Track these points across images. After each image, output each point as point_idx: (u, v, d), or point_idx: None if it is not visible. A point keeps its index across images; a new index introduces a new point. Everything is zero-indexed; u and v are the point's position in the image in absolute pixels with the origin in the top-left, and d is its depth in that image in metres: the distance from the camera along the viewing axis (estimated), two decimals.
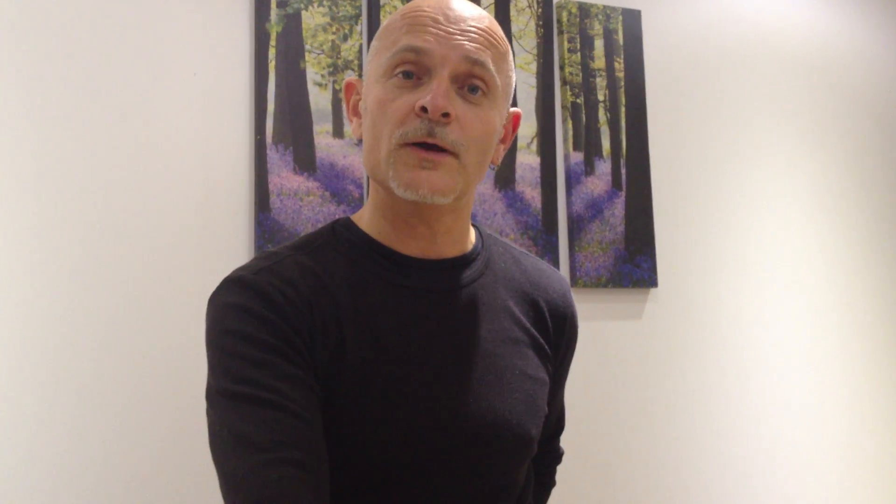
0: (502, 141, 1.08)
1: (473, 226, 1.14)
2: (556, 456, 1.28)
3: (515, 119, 1.11)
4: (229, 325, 0.95)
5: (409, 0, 1.06)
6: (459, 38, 0.97)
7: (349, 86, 1.09)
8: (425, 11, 0.99)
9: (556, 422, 1.25)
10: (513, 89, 1.08)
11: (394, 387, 0.97)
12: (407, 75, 0.98)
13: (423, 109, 0.95)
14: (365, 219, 1.07)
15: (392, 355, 0.98)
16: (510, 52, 1.05)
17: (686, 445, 2.47)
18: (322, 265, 1.02)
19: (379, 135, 0.99)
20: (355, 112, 1.08)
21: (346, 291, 1.00)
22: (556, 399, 1.20)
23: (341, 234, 1.06)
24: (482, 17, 1.01)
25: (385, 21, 1.05)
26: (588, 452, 2.33)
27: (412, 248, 1.04)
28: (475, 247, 1.11)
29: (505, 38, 1.04)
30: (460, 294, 1.05)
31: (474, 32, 0.99)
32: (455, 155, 0.97)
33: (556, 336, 1.14)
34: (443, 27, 0.98)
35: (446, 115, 0.95)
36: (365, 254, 1.04)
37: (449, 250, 1.07)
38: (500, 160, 1.09)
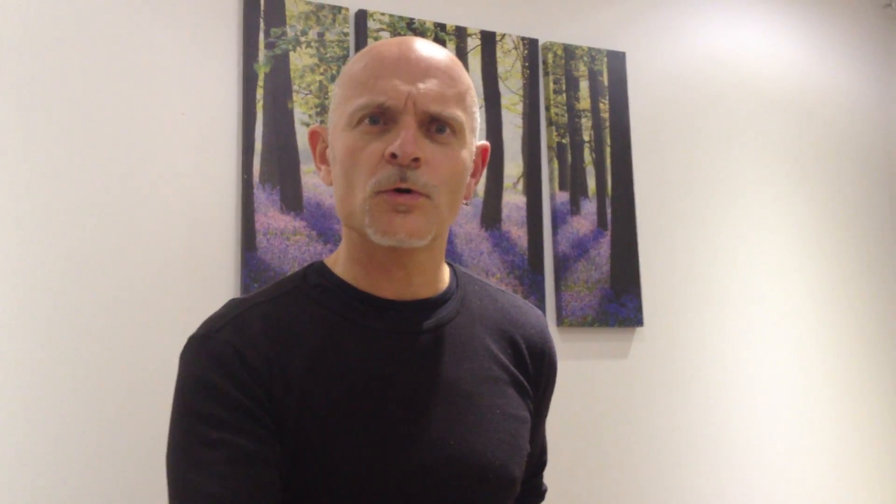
0: (472, 175, 1.08)
1: (448, 264, 1.13)
2: (539, 493, 1.27)
3: (484, 152, 1.11)
4: (188, 400, 0.95)
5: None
6: (422, 85, 0.98)
7: (314, 134, 1.10)
8: (385, 58, 1.00)
9: (538, 458, 1.24)
10: (478, 123, 1.08)
11: (371, 432, 0.96)
12: (373, 121, 0.98)
13: (393, 156, 0.96)
14: (339, 263, 1.07)
15: (367, 400, 0.97)
16: (472, 87, 1.06)
17: (672, 484, 2.46)
18: (290, 313, 1.01)
19: (351, 184, 0.99)
20: (323, 160, 1.09)
21: (316, 339, 0.99)
22: (537, 436, 1.20)
23: (312, 280, 1.06)
24: (441, 58, 1.02)
25: (346, 65, 1.06)
26: (574, 491, 2.31)
27: (387, 290, 1.04)
28: (450, 286, 1.10)
29: (466, 74, 1.05)
30: (437, 334, 1.04)
31: (435, 76, 1.00)
32: (428, 197, 0.98)
33: (535, 373, 1.14)
34: (405, 75, 0.98)
35: (416, 159, 0.96)
36: (338, 298, 1.03)
37: (424, 291, 1.06)
38: (471, 195, 1.10)
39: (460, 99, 1.02)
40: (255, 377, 0.94)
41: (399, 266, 1.03)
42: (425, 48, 1.02)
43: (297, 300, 1.03)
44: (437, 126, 0.99)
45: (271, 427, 0.94)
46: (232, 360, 0.95)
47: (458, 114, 1.00)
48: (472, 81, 1.07)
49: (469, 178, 1.06)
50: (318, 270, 1.07)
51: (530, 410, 1.12)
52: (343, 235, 1.07)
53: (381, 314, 1.03)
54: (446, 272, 1.12)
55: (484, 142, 1.12)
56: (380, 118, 0.98)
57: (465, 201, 1.08)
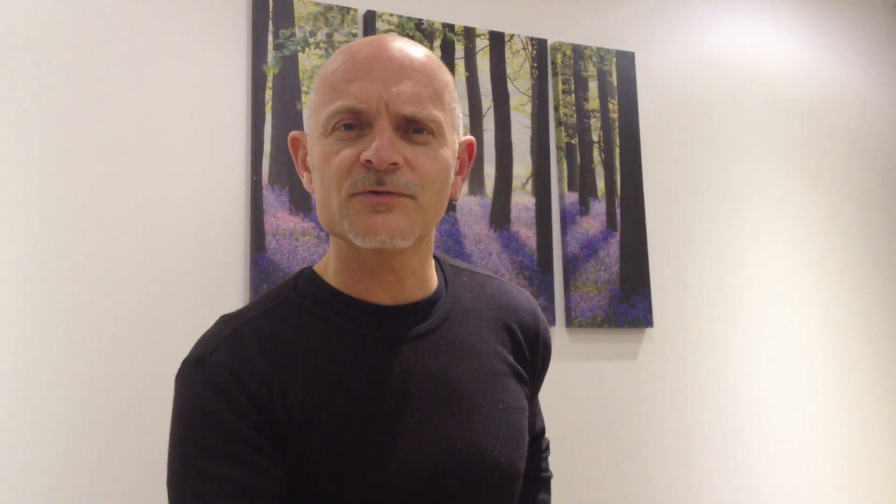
0: (458, 172, 1.06)
1: (434, 256, 1.11)
2: (542, 449, 1.25)
3: (470, 147, 1.08)
4: (186, 428, 0.93)
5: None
6: (395, 87, 0.95)
7: (294, 141, 1.07)
8: (357, 60, 0.97)
9: (533, 425, 1.22)
10: (460, 120, 1.05)
11: (377, 445, 0.95)
12: (348, 126, 0.95)
13: (369, 161, 0.93)
14: (330, 271, 1.04)
15: (371, 412, 0.96)
16: (450, 83, 1.02)
17: (682, 485, 2.45)
18: (284, 327, 0.99)
19: (328, 189, 0.96)
20: (304, 167, 1.06)
21: (313, 354, 0.97)
22: (533, 411, 1.19)
23: (304, 290, 1.04)
24: (416, 56, 0.99)
25: (321, 68, 1.02)
26: (584, 492, 2.31)
27: (381, 296, 1.02)
28: (439, 284, 1.08)
29: (444, 71, 1.02)
30: (434, 337, 1.03)
31: (409, 77, 0.96)
32: (411, 197, 0.95)
33: (531, 356, 1.13)
34: (376, 76, 0.95)
35: (394, 163, 0.93)
36: (332, 308, 1.01)
37: (417, 293, 1.04)
38: (458, 193, 1.07)
39: (437, 97, 0.98)
40: (253, 402, 0.92)
41: (389, 270, 1.01)
42: (398, 47, 0.99)
43: (290, 312, 1.01)
44: (414, 127, 0.96)
45: (272, 453, 0.92)
46: (229, 386, 0.93)
47: (436, 113, 0.97)
48: (451, 77, 1.04)
49: (454, 175, 1.04)
50: (308, 279, 1.05)
51: (527, 396, 1.12)
52: (331, 242, 1.05)
53: (376, 321, 1.01)
54: (434, 269, 1.10)
55: (468, 137, 1.09)
56: (354, 123, 0.95)
57: (451, 200, 1.06)
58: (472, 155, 1.10)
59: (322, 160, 0.97)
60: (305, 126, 1.05)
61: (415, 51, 1.00)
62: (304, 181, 1.06)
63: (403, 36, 2.27)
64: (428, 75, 0.98)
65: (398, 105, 0.95)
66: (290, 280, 1.06)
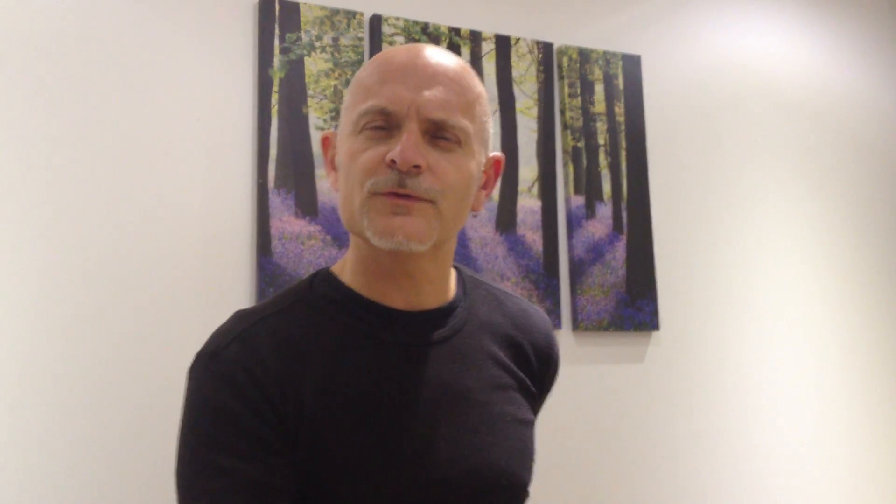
0: (483, 187, 1.06)
1: (455, 267, 1.11)
2: None
3: (497, 164, 1.09)
4: (198, 421, 0.94)
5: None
6: (427, 93, 0.96)
7: (326, 140, 1.08)
8: (392, 64, 0.99)
9: None
10: (490, 134, 1.05)
11: (385, 449, 0.95)
12: (378, 126, 0.97)
13: (393, 162, 0.94)
14: (347, 272, 1.05)
15: (380, 416, 0.96)
16: (482, 96, 1.03)
17: (688, 489, 2.45)
18: (298, 327, 0.99)
19: (352, 186, 0.98)
20: (332, 166, 1.07)
21: (325, 354, 0.97)
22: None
23: (320, 290, 1.04)
24: (450, 65, 1.00)
25: (357, 71, 1.04)
26: (590, 495, 2.30)
27: (396, 300, 1.02)
28: (457, 294, 1.09)
29: (477, 83, 1.03)
30: (446, 346, 1.03)
31: (441, 83, 0.98)
32: (431, 202, 0.96)
33: (540, 375, 1.14)
34: (410, 81, 0.97)
35: (417, 166, 0.94)
36: (346, 309, 1.02)
37: (432, 300, 1.05)
38: (481, 206, 1.07)
39: (468, 108, 0.99)
40: (265, 398, 0.93)
41: (405, 275, 1.01)
42: (434, 55, 1.00)
43: (305, 312, 1.01)
44: (441, 134, 0.97)
45: (282, 451, 0.92)
46: (242, 381, 0.93)
47: (465, 122, 0.98)
48: (484, 90, 1.04)
49: (479, 189, 1.04)
50: (324, 279, 1.05)
51: (534, 411, 1.12)
52: (350, 243, 1.05)
53: (390, 325, 1.01)
54: (453, 278, 1.10)
55: (498, 153, 1.09)
56: (383, 124, 0.97)
57: (473, 212, 1.06)
58: (499, 171, 1.10)
59: (349, 158, 0.98)
60: (338, 127, 1.06)
61: (450, 60, 1.01)
62: (331, 180, 1.07)
63: (409, 40, 2.28)
64: (461, 85, 1.00)
65: (428, 110, 0.96)
66: (306, 279, 1.07)
